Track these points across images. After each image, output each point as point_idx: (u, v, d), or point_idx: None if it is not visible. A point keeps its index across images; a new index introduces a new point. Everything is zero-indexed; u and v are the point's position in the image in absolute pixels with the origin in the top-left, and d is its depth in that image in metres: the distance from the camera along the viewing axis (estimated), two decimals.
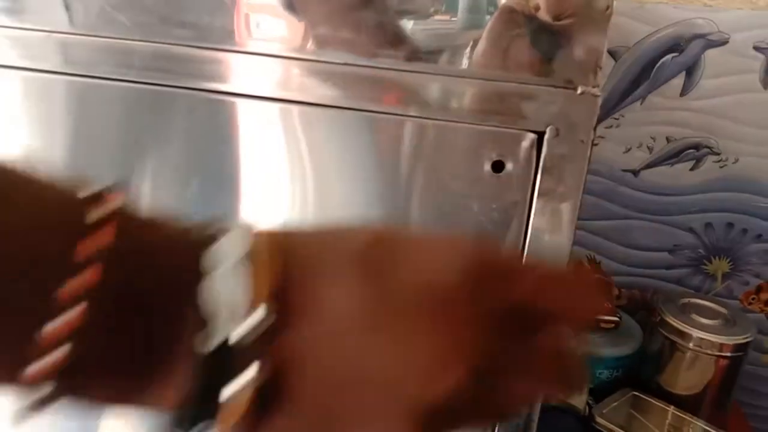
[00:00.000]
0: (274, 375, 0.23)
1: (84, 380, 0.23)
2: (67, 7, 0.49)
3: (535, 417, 0.49)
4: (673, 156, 1.05)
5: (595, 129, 0.44)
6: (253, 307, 0.23)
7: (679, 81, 1.01)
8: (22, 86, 0.52)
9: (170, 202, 0.52)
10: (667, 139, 1.04)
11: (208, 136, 0.50)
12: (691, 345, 0.91)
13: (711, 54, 0.99)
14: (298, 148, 0.48)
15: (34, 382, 0.21)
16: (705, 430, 0.85)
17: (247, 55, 0.47)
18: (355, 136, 0.47)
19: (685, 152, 1.04)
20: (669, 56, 1.01)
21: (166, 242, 0.25)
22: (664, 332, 0.94)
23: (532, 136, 0.44)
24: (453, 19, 0.44)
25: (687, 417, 0.87)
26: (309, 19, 0.46)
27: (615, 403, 0.88)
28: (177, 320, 0.23)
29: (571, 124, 0.43)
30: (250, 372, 0.22)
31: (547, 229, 0.45)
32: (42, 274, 0.21)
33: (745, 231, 1.06)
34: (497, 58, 0.44)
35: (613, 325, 0.98)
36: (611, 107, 1.05)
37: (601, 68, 0.43)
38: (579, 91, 0.43)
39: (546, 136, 0.44)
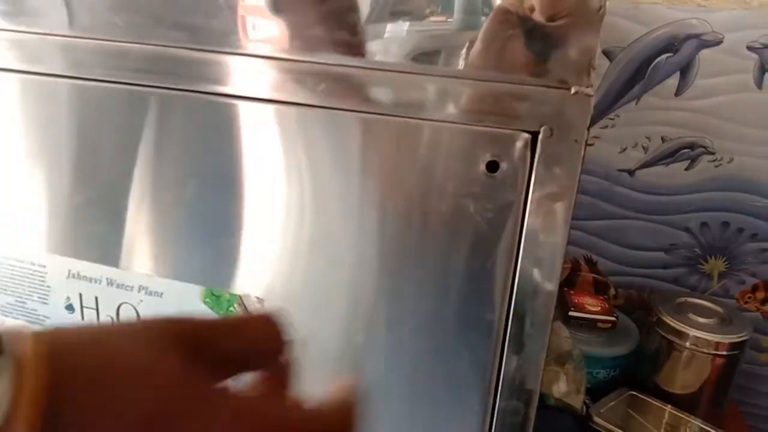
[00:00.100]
0: None
1: None
2: (64, 10, 0.49)
3: (532, 416, 0.49)
4: (669, 156, 1.05)
5: (589, 129, 0.44)
6: None
7: (673, 81, 1.02)
8: (20, 89, 0.52)
9: (168, 205, 0.52)
10: (662, 139, 1.05)
11: (205, 137, 0.50)
12: (687, 344, 0.91)
13: (705, 54, 0.99)
14: (293, 149, 0.48)
15: None
16: (702, 428, 0.85)
17: (243, 57, 0.47)
18: (350, 138, 0.47)
19: (680, 152, 1.05)
20: (663, 56, 1.01)
21: None
22: (660, 331, 0.94)
23: (526, 136, 0.44)
24: (449, 20, 0.44)
25: (684, 416, 0.87)
26: (303, 21, 0.46)
27: (612, 403, 0.89)
28: None
29: (565, 124, 0.44)
30: None
31: (542, 229, 0.46)
32: None
33: (740, 230, 1.06)
34: (492, 58, 0.44)
35: (609, 324, 0.98)
36: (606, 107, 1.05)
37: (594, 68, 0.43)
38: (573, 91, 0.43)
39: (540, 136, 0.44)
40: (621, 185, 1.08)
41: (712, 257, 1.09)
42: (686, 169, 1.05)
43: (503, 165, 0.45)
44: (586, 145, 0.45)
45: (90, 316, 0.57)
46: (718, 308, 0.96)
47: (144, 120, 0.50)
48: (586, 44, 0.43)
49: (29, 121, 0.53)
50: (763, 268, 1.08)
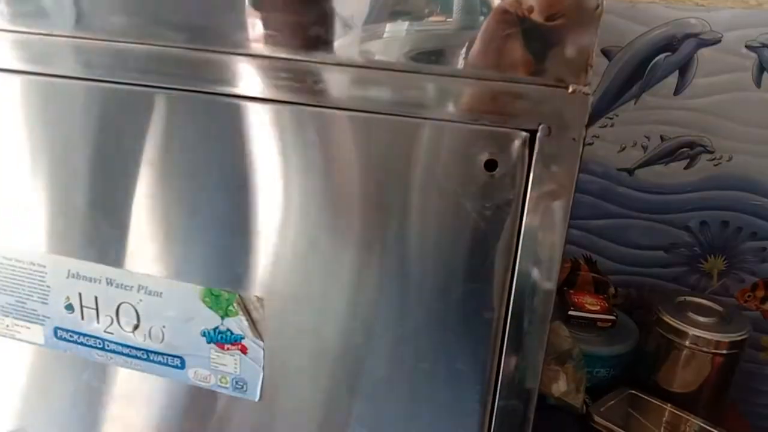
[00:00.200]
0: None
1: None
2: (68, 10, 0.49)
3: (531, 414, 0.49)
4: (668, 155, 1.05)
5: (586, 127, 0.44)
6: None
7: (672, 80, 1.02)
8: (21, 89, 0.52)
9: (168, 204, 0.52)
10: (662, 138, 1.05)
11: (206, 138, 0.50)
12: (687, 343, 0.91)
13: (704, 53, 0.99)
14: (292, 148, 0.48)
15: None
16: (702, 427, 0.85)
17: (245, 57, 0.47)
18: (350, 137, 0.47)
19: (680, 151, 1.05)
20: (662, 55, 1.01)
21: None
22: (660, 330, 0.94)
23: (524, 134, 0.44)
24: (448, 20, 0.44)
25: (684, 415, 0.87)
26: (301, 20, 0.46)
27: (612, 402, 0.89)
28: None
29: (563, 122, 0.44)
30: None
31: (541, 227, 0.46)
32: None
33: (740, 229, 1.06)
34: (490, 58, 0.44)
35: (609, 324, 0.98)
36: (605, 107, 1.05)
37: (592, 67, 0.43)
38: (570, 89, 0.43)
39: (538, 135, 0.44)
40: (620, 184, 1.08)
41: (712, 256, 1.09)
42: (685, 168, 1.05)
43: (501, 164, 0.45)
44: (584, 143, 0.45)
45: (90, 316, 0.57)
46: (718, 307, 0.96)
47: (144, 120, 0.50)
48: (583, 43, 0.43)
49: (30, 122, 0.53)
50: (762, 266, 1.08)
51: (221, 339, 0.54)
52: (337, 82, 0.46)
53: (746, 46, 0.98)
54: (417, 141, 0.46)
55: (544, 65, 0.43)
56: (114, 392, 0.60)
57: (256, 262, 0.52)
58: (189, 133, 0.50)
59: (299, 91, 0.47)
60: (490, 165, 0.45)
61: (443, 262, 0.48)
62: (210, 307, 0.53)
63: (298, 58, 0.46)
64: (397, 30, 0.45)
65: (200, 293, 0.53)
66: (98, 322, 0.57)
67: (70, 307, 0.57)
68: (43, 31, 0.50)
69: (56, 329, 0.58)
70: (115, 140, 0.52)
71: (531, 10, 0.43)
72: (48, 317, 0.58)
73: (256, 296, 0.52)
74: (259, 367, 0.54)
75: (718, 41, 0.98)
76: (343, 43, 0.46)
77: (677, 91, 1.02)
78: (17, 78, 0.52)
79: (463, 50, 0.44)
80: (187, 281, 0.53)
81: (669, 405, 0.89)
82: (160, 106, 0.50)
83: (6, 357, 0.62)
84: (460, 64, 0.44)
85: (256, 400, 0.55)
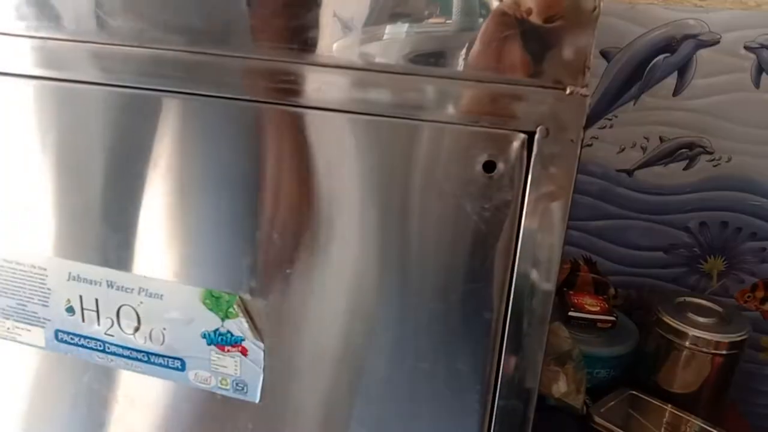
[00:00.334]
0: None
1: None
2: (83, 15, 0.49)
3: (531, 415, 0.49)
4: (667, 155, 1.05)
5: (584, 128, 0.44)
6: None
7: (671, 81, 1.02)
8: (27, 93, 0.53)
9: (169, 206, 0.52)
10: (661, 139, 1.05)
11: (211, 141, 0.50)
12: (687, 343, 0.91)
13: (702, 54, 1.00)
14: (294, 150, 0.49)
15: None
16: (702, 427, 0.85)
17: (246, 60, 0.47)
18: (349, 139, 0.48)
19: (679, 152, 1.05)
20: (661, 56, 1.01)
21: None
22: (660, 331, 0.94)
23: (522, 136, 0.44)
24: (447, 21, 0.44)
25: (684, 415, 0.88)
26: (302, 23, 0.46)
27: (612, 402, 0.89)
28: None
29: (561, 123, 0.44)
30: None
31: (539, 228, 0.46)
32: None
33: (739, 229, 1.07)
34: (489, 60, 0.44)
35: (609, 324, 0.98)
36: (604, 108, 1.05)
37: (589, 68, 0.43)
38: (568, 91, 0.43)
39: (536, 136, 0.44)
40: (620, 185, 1.08)
41: (712, 257, 1.09)
42: (685, 168, 1.06)
43: (500, 165, 0.45)
44: (583, 144, 0.45)
45: (90, 318, 0.57)
46: (718, 308, 0.96)
47: (149, 124, 0.51)
48: (580, 45, 0.43)
49: (32, 125, 0.53)
50: (762, 267, 1.08)
51: (221, 341, 0.54)
52: (336, 85, 0.47)
53: (745, 47, 0.98)
54: (416, 143, 0.46)
55: (542, 67, 0.44)
56: (115, 395, 0.60)
57: (256, 264, 0.52)
58: (193, 136, 0.50)
59: (299, 93, 0.47)
60: (489, 166, 0.45)
61: (443, 263, 0.48)
62: (210, 309, 0.54)
63: (297, 60, 0.46)
64: (396, 32, 0.45)
65: (201, 295, 0.53)
66: (99, 325, 0.57)
67: (70, 310, 0.57)
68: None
69: (57, 332, 0.59)
70: (119, 144, 0.52)
71: (529, 12, 0.43)
72: (49, 320, 0.59)
73: (257, 298, 0.53)
74: (259, 368, 0.54)
75: (716, 42, 0.99)
76: (343, 46, 0.46)
77: (676, 92, 1.02)
78: (30, 83, 0.52)
79: (463, 52, 0.44)
80: (187, 283, 0.53)
81: (669, 405, 0.89)
82: (164, 109, 0.50)
83: (7, 360, 0.62)
84: (460, 66, 0.45)
85: (257, 401, 0.55)
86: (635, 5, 0.99)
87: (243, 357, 0.54)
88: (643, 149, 1.06)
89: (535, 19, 0.43)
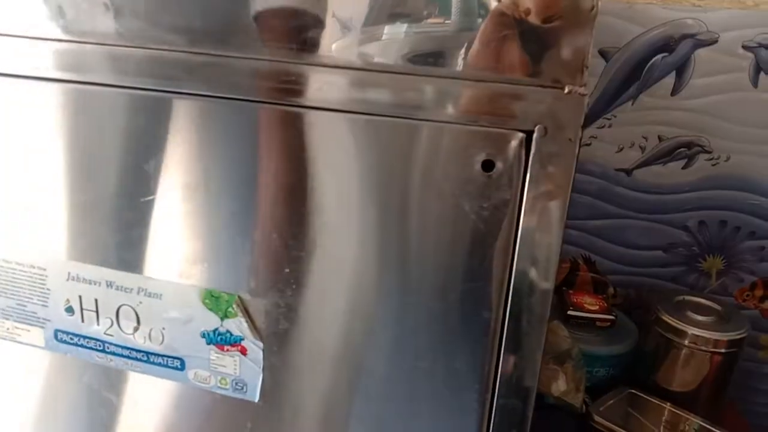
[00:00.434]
0: None
1: None
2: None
3: (530, 413, 0.49)
4: (666, 155, 1.05)
5: (582, 127, 0.44)
6: None
7: (669, 80, 1.02)
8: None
9: (168, 206, 0.52)
10: (659, 138, 1.05)
11: (213, 142, 0.50)
12: (686, 342, 0.91)
13: (701, 53, 1.00)
14: (292, 150, 0.49)
15: None
16: (702, 426, 0.86)
17: (249, 61, 0.47)
18: (348, 138, 0.48)
19: (677, 151, 1.05)
20: (659, 56, 1.01)
21: None
22: (659, 330, 0.94)
23: (520, 135, 0.45)
24: (446, 21, 0.45)
25: (683, 414, 0.88)
26: (302, 23, 0.46)
27: (612, 401, 0.89)
28: None
29: (559, 122, 0.44)
30: None
31: (538, 227, 0.46)
32: None
33: (738, 228, 1.07)
34: (488, 59, 0.44)
35: (608, 323, 0.99)
36: (603, 107, 1.05)
37: (587, 67, 0.44)
38: (566, 90, 0.44)
39: (534, 135, 0.44)
40: (619, 185, 1.08)
41: (711, 255, 1.09)
42: (683, 168, 1.06)
43: (498, 164, 0.45)
44: (581, 144, 0.45)
45: (90, 318, 0.57)
46: (717, 306, 0.96)
47: (148, 124, 0.51)
48: (578, 44, 0.43)
49: (35, 125, 0.53)
50: (761, 265, 1.08)
51: (221, 340, 0.54)
52: (335, 85, 0.47)
53: (743, 47, 0.98)
54: (415, 142, 0.46)
55: (540, 66, 0.44)
56: (115, 394, 0.60)
57: (255, 264, 0.52)
58: (193, 137, 0.50)
59: (299, 93, 0.47)
60: (488, 165, 0.45)
61: (442, 262, 0.48)
62: (210, 309, 0.54)
63: (297, 61, 0.46)
64: (395, 32, 0.45)
65: (200, 295, 0.54)
66: (98, 324, 0.57)
67: (70, 310, 0.58)
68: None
69: (57, 332, 0.59)
70: (123, 145, 0.52)
71: (528, 12, 0.43)
72: (48, 320, 0.59)
73: (256, 298, 0.53)
74: (258, 368, 0.54)
75: (714, 42, 0.99)
76: (342, 46, 0.46)
77: (674, 92, 1.03)
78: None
79: (461, 52, 0.45)
80: (187, 283, 0.54)
81: (668, 404, 0.89)
82: (163, 110, 0.50)
83: (7, 360, 0.62)
84: (458, 65, 0.45)
85: (256, 401, 0.55)
86: (633, 5, 0.99)
87: (242, 356, 0.54)
88: (642, 149, 1.06)
89: (533, 19, 0.43)
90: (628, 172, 1.07)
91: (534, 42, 0.43)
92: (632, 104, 1.04)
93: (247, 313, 0.53)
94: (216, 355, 0.55)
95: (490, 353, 0.49)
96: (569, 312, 0.99)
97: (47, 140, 0.53)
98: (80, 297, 0.57)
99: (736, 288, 1.10)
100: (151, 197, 0.52)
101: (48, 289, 0.57)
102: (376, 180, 0.48)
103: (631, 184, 1.08)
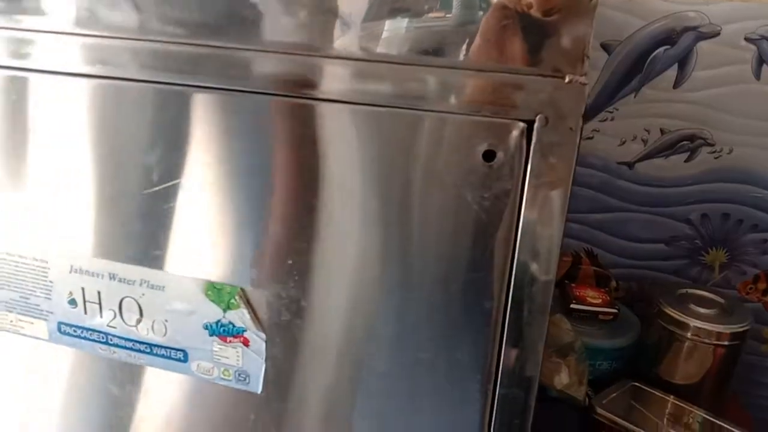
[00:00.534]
0: None
1: None
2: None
3: (532, 403, 0.49)
4: (668, 148, 1.05)
5: (584, 119, 0.44)
6: None
7: (672, 73, 1.02)
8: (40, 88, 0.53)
9: (171, 198, 0.53)
10: (662, 131, 1.05)
11: (222, 134, 0.50)
12: (689, 335, 0.91)
13: (703, 46, 1.00)
14: (295, 142, 0.49)
15: None
16: (705, 418, 0.86)
17: (256, 53, 0.47)
18: (351, 129, 0.48)
19: (680, 144, 1.05)
20: (661, 49, 1.01)
21: None
22: (662, 322, 0.94)
23: (521, 125, 0.44)
24: (447, 15, 0.45)
25: (687, 407, 0.88)
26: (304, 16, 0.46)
27: (615, 394, 0.89)
28: None
29: (560, 112, 0.44)
30: None
31: (539, 216, 0.46)
32: None
33: (741, 221, 1.07)
34: (489, 50, 0.44)
35: (611, 316, 0.99)
36: (605, 100, 1.05)
37: (588, 57, 0.43)
38: (567, 79, 0.43)
39: (536, 125, 0.44)
40: (621, 178, 1.08)
41: (713, 248, 1.09)
42: (686, 161, 1.06)
43: (500, 154, 0.45)
44: (582, 133, 0.45)
45: (93, 311, 0.57)
46: (719, 299, 0.96)
47: (151, 117, 0.51)
48: (579, 33, 0.43)
49: (41, 118, 0.54)
50: (764, 258, 1.08)
51: (223, 332, 0.54)
52: (338, 76, 0.47)
53: (745, 39, 0.98)
54: (417, 133, 0.46)
55: (540, 56, 0.44)
56: (117, 386, 0.60)
57: (258, 255, 0.52)
58: (198, 130, 0.50)
59: (302, 85, 0.47)
60: (489, 155, 0.45)
61: (444, 253, 0.48)
62: (212, 301, 0.54)
63: (301, 53, 0.47)
64: (397, 25, 0.45)
65: (202, 287, 0.54)
66: (101, 317, 0.57)
67: (73, 302, 0.58)
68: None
69: (60, 324, 0.59)
70: (128, 137, 0.52)
71: (530, 5, 0.43)
72: (51, 312, 0.59)
73: (258, 289, 0.53)
74: (261, 359, 0.54)
75: (717, 34, 0.99)
76: (344, 38, 0.46)
77: (677, 84, 1.02)
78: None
79: (463, 43, 0.45)
80: (189, 275, 0.54)
81: (672, 397, 0.89)
82: (169, 104, 0.50)
83: (11, 352, 0.62)
84: (460, 56, 0.45)
85: (259, 392, 0.55)
86: None
87: (245, 348, 0.54)
88: (644, 142, 1.06)
89: (535, 12, 0.43)
90: (631, 165, 1.07)
91: (534, 32, 0.43)
92: (634, 97, 1.04)
93: (249, 304, 0.53)
94: (218, 346, 0.55)
95: (492, 343, 0.49)
96: (572, 305, 0.99)
97: (48, 134, 0.53)
98: (83, 289, 0.57)
99: (739, 281, 1.10)
100: (153, 189, 0.52)
101: (51, 282, 0.58)
102: (378, 171, 0.48)
103: (633, 178, 1.08)
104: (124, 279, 0.56)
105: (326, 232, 0.50)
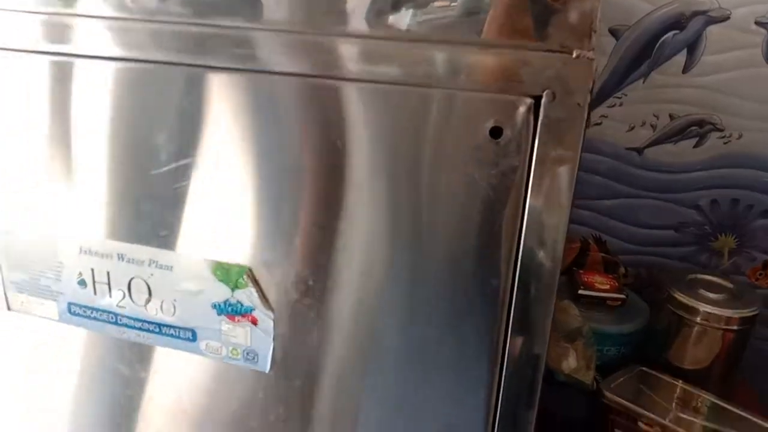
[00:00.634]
0: None
1: None
2: None
3: (539, 380, 0.49)
4: (677, 133, 1.05)
5: (591, 92, 0.44)
6: None
7: (681, 58, 1.01)
8: (41, 68, 0.53)
9: (181, 178, 0.53)
10: (671, 117, 1.04)
11: (234, 113, 0.51)
12: (698, 319, 0.91)
13: (712, 30, 0.99)
14: (303, 121, 0.49)
15: None
16: (714, 403, 0.85)
17: (267, 32, 0.47)
18: (359, 108, 0.48)
19: (689, 129, 1.04)
20: (670, 33, 1.00)
21: None
22: (671, 307, 0.94)
23: (529, 101, 0.44)
24: (452, 4, 0.44)
25: (695, 391, 0.87)
26: None
27: (623, 378, 0.89)
28: None
29: (567, 87, 0.44)
30: None
31: (547, 194, 0.46)
32: None
33: (750, 207, 1.06)
34: (497, 26, 0.44)
35: (619, 302, 0.98)
36: (614, 86, 1.05)
37: (595, 32, 0.43)
38: (574, 54, 0.43)
39: (543, 101, 0.44)
40: (630, 164, 1.08)
41: (722, 234, 1.09)
42: (695, 146, 1.05)
43: (507, 131, 0.45)
44: (590, 110, 0.45)
45: (102, 291, 0.58)
46: (729, 284, 0.96)
47: (158, 95, 0.51)
48: (586, 9, 0.43)
49: (46, 100, 0.54)
50: None
51: (232, 311, 0.55)
52: (346, 55, 0.47)
53: (756, 23, 0.97)
54: (424, 110, 0.46)
55: (548, 31, 0.44)
56: (128, 367, 0.60)
57: (266, 236, 0.52)
58: (211, 109, 0.51)
59: (311, 64, 0.47)
60: (496, 132, 0.45)
61: (452, 230, 0.48)
62: (220, 280, 0.54)
63: (309, 31, 0.47)
64: (404, 5, 0.45)
65: (211, 266, 0.54)
66: (111, 297, 0.58)
67: (82, 283, 0.58)
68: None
69: (70, 305, 0.59)
70: (135, 117, 0.53)
71: None
72: (61, 293, 0.59)
73: (267, 268, 0.53)
74: (269, 338, 0.54)
75: (726, 18, 0.98)
76: (352, 17, 0.46)
77: (686, 69, 1.02)
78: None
79: (471, 20, 0.44)
80: (198, 255, 0.54)
81: (680, 381, 0.89)
82: (179, 83, 0.50)
83: (22, 333, 0.63)
84: (467, 33, 0.45)
85: (267, 371, 0.55)
86: None
87: (253, 326, 0.54)
88: (653, 127, 1.05)
89: None
90: (639, 151, 1.07)
91: (541, 7, 0.43)
92: (643, 82, 1.03)
93: (257, 283, 0.53)
94: (227, 325, 0.55)
95: (500, 321, 0.49)
96: (580, 291, 0.99)
97: (60, 116, 0.54)
98: (92, 270, 0.57)
99: (749, 267, 1.09)
100: (162, 169, 0.53)
101: (60, 263, 0.58)
102: (386, 149, 0.48)
103: (642, 164, 1.07)
104: (133, 259, 0.56)
105: (334, 211, 0.50)
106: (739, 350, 0.93)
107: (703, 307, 0.90)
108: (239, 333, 0.55)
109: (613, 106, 1.05)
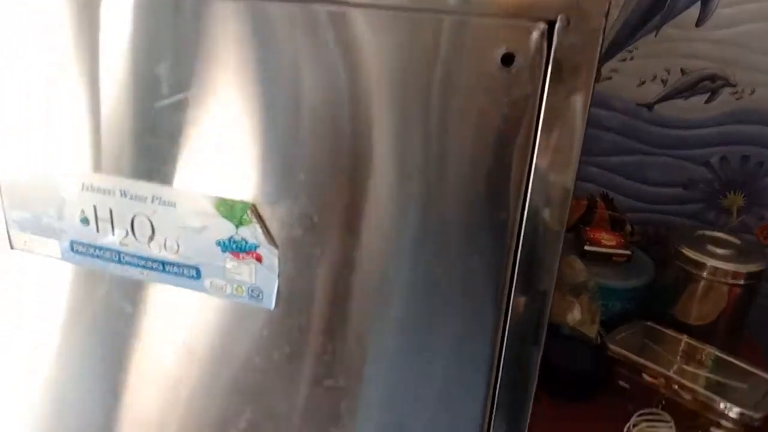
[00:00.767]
0: None
1: None
2: None
3: (546, 314, 0.49)
4: (688, 88, 1.03)
5: (607, 15, 0.42)
6: None
7: (694, 11, 0.99)
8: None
9: (183, 111, 0.52)
10: (682, 71, 1.02)
11: (233, 42, 0.49)
12: (705, 274, 0.90)
13: None
14: (311, 51, 0.48)
15: None
16: (717, 355, 0.85)
17: None
18: (368, 35, 0.46)
19: (701, 84, 1.02)
20: None
21: None
22: (679, 263, 0.93)
23: (542, 26, 0.43)
24: None
25: (699, 345, 0.87)
26: None
27: (627, 332, 0.89)
28: None
29: (582, 12, 0.42)
30: None
31: (559, 123, 0.45)
32: None
33: (761, 164, 1.05)
34: None
35: (625, 258, 0.98)
36: (625, 39, 1.03)
37: None
38: None
39: (557, 26, 0.43)
40: (639, 119, 1.06)
41: (731, 192, 1.07)
42: (706, 102, 1.03)
43: (519, 57, 0.44)
44: (604, 37, 0.44)
45: (105, 229, 0.57)
46: (736, 240, 0.95)
47: (169, 24, 0.50)
48: None
49: (44, 32, 0.53)
50: None
51: (236, 248, 0.54)
52: None
53: None
54: (435, 38, 0.45)
55: None
56: (131, 305, 0.60)
57: (270, 171, 0.51)
58: (211, 39, 0.49)
59: None
60: (507, 59, 0.44)
61: (462, 161, 0.47)
62: (224, 217, 0.53)
63: None
64: None
65: (214, 203, 0.53)
66: (113, 235, 0.57)
67: (85, 221, 0.57)
68: None
69: (72, 243, 0.59)
70: (137, 47, 0.51)
71: None
72: (64, 231, 0.59)
73: (271, 204, 0.52)
74: (274, 275, 0.54)
75: None
76: None
77: (699, 22, 0.99)
78: None
79: None
80: (201, 190, 0.53)
81: (685, 336, 0.89)
82: (183, 11, 0.49)
83: (26, 272, 0.63)
84: None
85: (272, 308, 0.55)
86: None
87: (258, 263, 0.54)
88: (664, 82, 1.04)
89: None
90: (650, 106, 1.05)
91: None
92: (655, 35, 1.01)
93: (261, 220, 0.53)
94: (231, 263, 0.54)
95: (507, 255, 0.48)
96: (586, 247, 0.98)
97: (53, 48, 0.53)
98: (95, 207, 0.57)
99: (757, 225, 1.08)
100: (163, 102, 0.52)
101: (62, 200, 0.57)
102: (395, 79, 0.47)
103: (652, 119, 1.06)
104: (136, 196, 0.55)
105: (340, 143, 0.49)
106: (746, 306, 0.93)
107: (710, 262, 0.90)
108: (244, 270, 0.54)
109: (624, 60, 1.04)
